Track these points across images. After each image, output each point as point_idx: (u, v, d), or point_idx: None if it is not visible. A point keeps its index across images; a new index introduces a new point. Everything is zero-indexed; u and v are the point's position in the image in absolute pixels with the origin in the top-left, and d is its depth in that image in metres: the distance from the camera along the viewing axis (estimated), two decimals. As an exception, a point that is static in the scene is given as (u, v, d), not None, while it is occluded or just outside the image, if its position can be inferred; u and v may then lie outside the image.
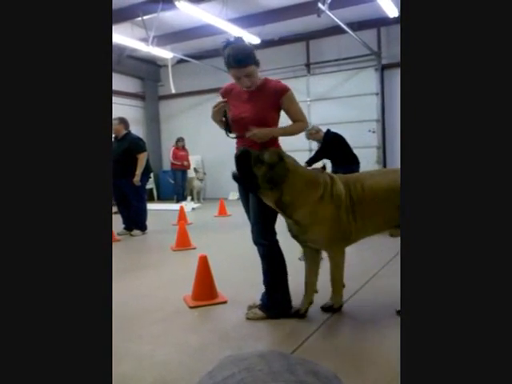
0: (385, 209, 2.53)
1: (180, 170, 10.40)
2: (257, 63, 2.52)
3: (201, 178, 10.57)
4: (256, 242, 2.66)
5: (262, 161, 2.40)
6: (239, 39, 2.58)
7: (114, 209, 5.92)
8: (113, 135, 5.94)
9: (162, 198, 11.60)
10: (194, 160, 11.13)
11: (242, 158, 2.44)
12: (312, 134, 5.88)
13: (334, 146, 5.87)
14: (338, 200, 2.49)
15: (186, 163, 10.44)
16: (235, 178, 2.50)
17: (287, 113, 2.62)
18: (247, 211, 2.78)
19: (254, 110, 2.56)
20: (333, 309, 2.74)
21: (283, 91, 2.56)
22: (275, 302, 2.69)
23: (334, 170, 5.95)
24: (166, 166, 11.46)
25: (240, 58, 2.46)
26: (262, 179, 2.38)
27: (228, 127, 2.65)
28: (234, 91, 2.70)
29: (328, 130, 6.04)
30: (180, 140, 10.41)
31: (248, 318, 2.72)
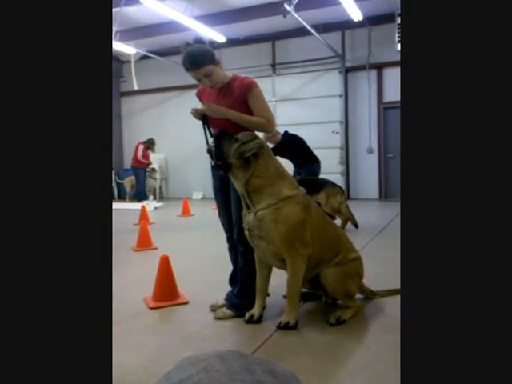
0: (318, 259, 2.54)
1: (143, 168, 10.25)
2: (215, 62, 2.50)
3: (154, 177, 10.56)
4: (237, 240, 2.64)
5: (236, 139, 2.44)
6: (198, 40, 2.56)
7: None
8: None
9: (122, 197, 11.34)
10: (157, 159, 10.97)
11: (220, 136, 2.47)
12: (269, 138, 5.83)
13: (290, 147, 5.91)
14: (309, 210, 2.48)
15: (148, 161, 10.36)
16: (210, 152, 2.50)
17: (252, 109, 2.56)
18: (223, 209, 2.74)
19: (223, 106, 2.55)
20: (289, 327, 2.46)
21: (249, 87, 2.54)
22: (247, 300, 2.67)
23: (297, 172, 6.02)
24: (128, 165, 11.19)
25: (194, 61, 2.45)
26: (233, 155, 2.40)
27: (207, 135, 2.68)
28: (207, 90, 2.70)
29: (285, 132, 6.07)
30: (153, 143, 10.28)
31: (217, 318, 2.67)
